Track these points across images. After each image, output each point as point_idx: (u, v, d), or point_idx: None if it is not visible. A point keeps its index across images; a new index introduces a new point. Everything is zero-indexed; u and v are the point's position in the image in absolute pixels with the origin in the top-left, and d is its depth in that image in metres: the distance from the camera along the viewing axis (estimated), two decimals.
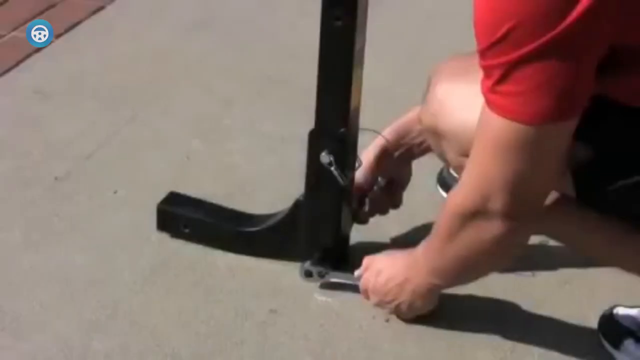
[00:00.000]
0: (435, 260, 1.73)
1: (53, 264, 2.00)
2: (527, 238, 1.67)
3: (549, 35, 1.37)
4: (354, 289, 1.91)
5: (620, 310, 1.84)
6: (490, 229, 1.59)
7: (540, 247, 2.03)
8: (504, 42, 1.40)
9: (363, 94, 1.90)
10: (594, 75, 1.45)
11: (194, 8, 3.02)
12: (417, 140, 1.95)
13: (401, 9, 3.03)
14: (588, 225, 1.71)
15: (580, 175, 1.62)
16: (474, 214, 1.58)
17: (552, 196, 1.67)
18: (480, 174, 1.55)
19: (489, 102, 1.47)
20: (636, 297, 1.89)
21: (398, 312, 1.87)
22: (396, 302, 1.84)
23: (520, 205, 1.55)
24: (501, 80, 1.43)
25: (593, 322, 1.86)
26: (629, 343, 1.80)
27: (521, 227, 1.60)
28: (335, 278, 1.93)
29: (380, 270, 1.85)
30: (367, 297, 1.88)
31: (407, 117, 1.96)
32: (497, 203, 1.55)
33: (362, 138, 1.94)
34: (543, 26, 1.38)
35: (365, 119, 1.93)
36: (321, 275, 1.93)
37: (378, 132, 1.96)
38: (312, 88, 1.85)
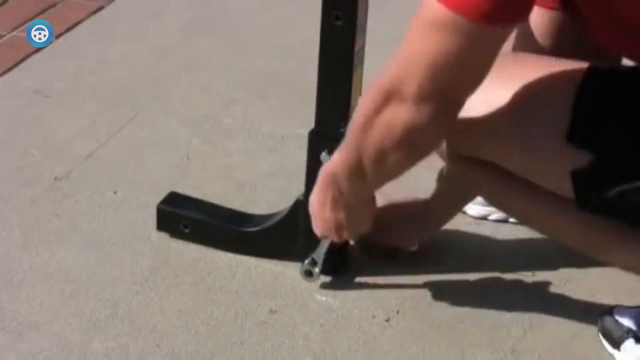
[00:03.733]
0: (352, 158, 1.68)
1: (53, 264, 2.00)
2: (437, 139, 1.64)
3: None
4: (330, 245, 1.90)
5: (620, 310, 1.84)
6: (402, 113, 1.55)
7: (540, 247, 2.03)
8: None
9: (363, 94, 1.90)
10: None
11: (193, 8, 3.02)
12: None
13: (401, 9, 3.02)
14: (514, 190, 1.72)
15: (579, 180, 1.62)
16: (390, 95, 1.56)
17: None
18: (404, 54, 1.54)
19: None
20: (636, 297, 1.89)
21: (350, 234, 1.84)
22: (344, 225, 1.80)
23: (434, 93, 1.52)
24: None
25: (593, 322, 1.86)
26: (629, 343, 1.80)
27: (432, 120, 1.55)
28: (320, 253, 1.91)
29: (312, 208, 1.83)
30: (326, 238, 1.87)
31: None
32: (412, 85, 1.52)
33: None
34: None
35: None
36: (313, 263, 1.92)
37: None
38: (312, 88, 1.85)
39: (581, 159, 1.59)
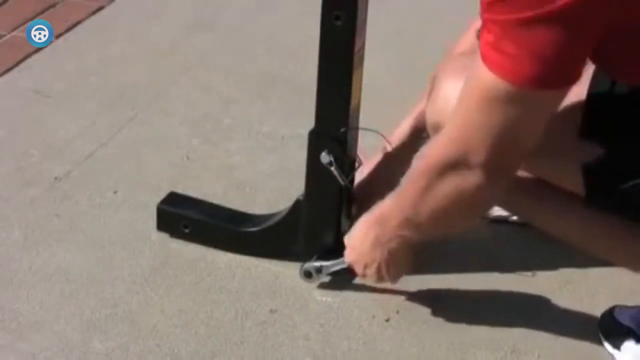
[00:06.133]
0: (407, 211, 1.72)
1: (53, 264, 2.00)
2: (502, 193, 1.66)
3: (552, 5, 1.39)
4: (349, 272, 1.91)
5: (621, 310, 1.84)
6: (470, 179, 1.59)
7: (540, 247, 2.03)
8: (509, 2, 1.41)
9: (363, 94, 1.90)
10: (589, 52, 1.46)
11: (194, 8, 3.02)
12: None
13: (401, 9, 3.03)
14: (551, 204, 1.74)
15: (590, 175, 1.62)
16: (455, 164, 1.59)
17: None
18: (465, 125, 1.56)
19: (484, 56, 1.48)
20: (636, 297, 1.89)
21: (381, 277, 1.85)
22: (375, 265, 1.83)
23: (500, 158, 1.56)
24: (500, 37, 1.44)
25: (593, 322, 1.86)
26: (629, 343, 1.80)
27: (499, 181, 1.61)
28: (331, 268, 1.93)
29: (352, 238, 1.86)
30: (356, 273, 1.88)
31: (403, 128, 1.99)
32: (478, 154, 1.56)
33: (362, 138, 1.94)
34: None
35: (365, 119, 1.93)
36: (318, 271, 1.93)
37: (378, 132, 1.96)
38: (312, 88, 1.85)
39: (593, 153, 1.60)
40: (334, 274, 1.95)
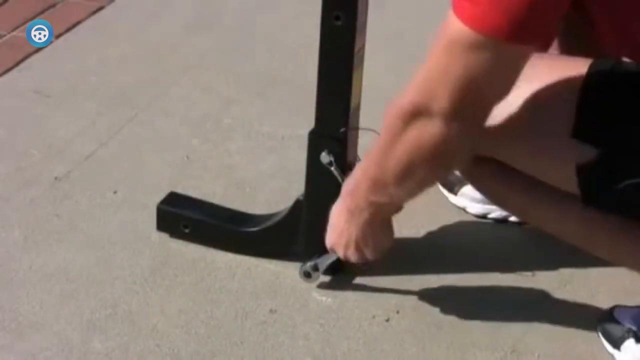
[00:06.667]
0: (373, 172, 1.70)
1: (53, 264, 2.00)
2: (466, 152, 1.65)
3: None
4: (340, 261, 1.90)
5: (621, 310, 1.84)
6: (430, 128, 1.57)
7: (540, 247, 2.04)
8: None
9: (363, 94, 1.90)
10: (560, 14, 1.47)
11: (194, 8, 3.01)
12: None
13: (401, 9, 3.03)
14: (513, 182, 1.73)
15: (585, 175, 1.62)
16: (418, 112, 1.57)
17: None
18: (430, 71, 1.56)
19: (455, 6, 1.48)
20: (636, 297, 1.89)
21: (361, 254, 1.84)
22: (353, 242, 1.82)
23: (463, 109, 1.55)
24: None
25: (593, 322, 1.86)
26: (629, 343, 1.80)
27: (461, 135, 1.58)
28: (325, 263, 1.92)
29: (330, 221, 1.84)
30: (340, 256, 1.87)
31: None
32: (440, 102, 1.54)
33: (362, 138, 1.94)
34: None
35: (365, 119, 1.93)
36: (315, 269, 1.92)
37: (378, 132, 1.96)
38: (312, 88, 1.85)
39: (586, 153, 1.60)
40: (334, 273, 1.95)
